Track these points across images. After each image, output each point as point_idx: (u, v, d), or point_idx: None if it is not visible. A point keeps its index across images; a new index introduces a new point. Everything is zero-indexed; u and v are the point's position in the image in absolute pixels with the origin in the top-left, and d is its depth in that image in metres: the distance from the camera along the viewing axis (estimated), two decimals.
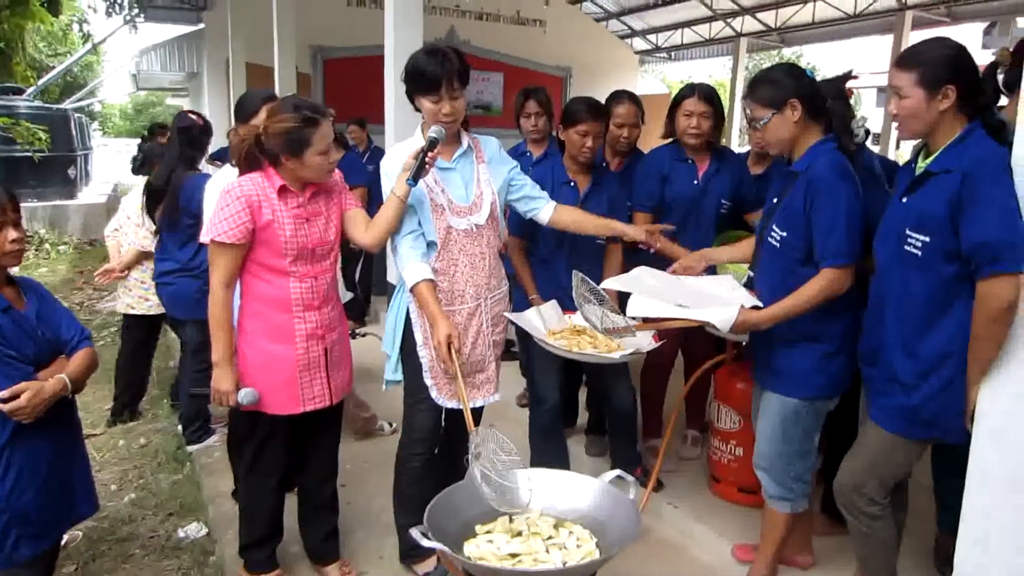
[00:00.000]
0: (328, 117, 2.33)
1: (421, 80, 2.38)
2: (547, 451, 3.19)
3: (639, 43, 17.45)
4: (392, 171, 2.45)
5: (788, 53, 24.47)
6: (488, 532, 2.02)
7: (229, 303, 2.35)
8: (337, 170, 2.53)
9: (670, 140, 3.32)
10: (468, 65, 2.42)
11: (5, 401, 1.93)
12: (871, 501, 2.20)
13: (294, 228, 2.33)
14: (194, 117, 3.67)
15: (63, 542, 2.93)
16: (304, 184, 2.38)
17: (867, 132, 2.72)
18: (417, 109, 2.46)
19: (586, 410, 3.86)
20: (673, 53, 18.04)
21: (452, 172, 2.53)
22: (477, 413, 2.76)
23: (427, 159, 2.32)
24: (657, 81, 27.29)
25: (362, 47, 10.08)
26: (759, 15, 14.52)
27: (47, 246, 9.89)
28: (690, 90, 3.19)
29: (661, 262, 2.82)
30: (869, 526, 2.23)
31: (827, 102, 2.30)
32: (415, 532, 1.87)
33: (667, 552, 2.96)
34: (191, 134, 3.60)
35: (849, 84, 2.68)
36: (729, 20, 15.03)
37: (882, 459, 2.17)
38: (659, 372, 3.58)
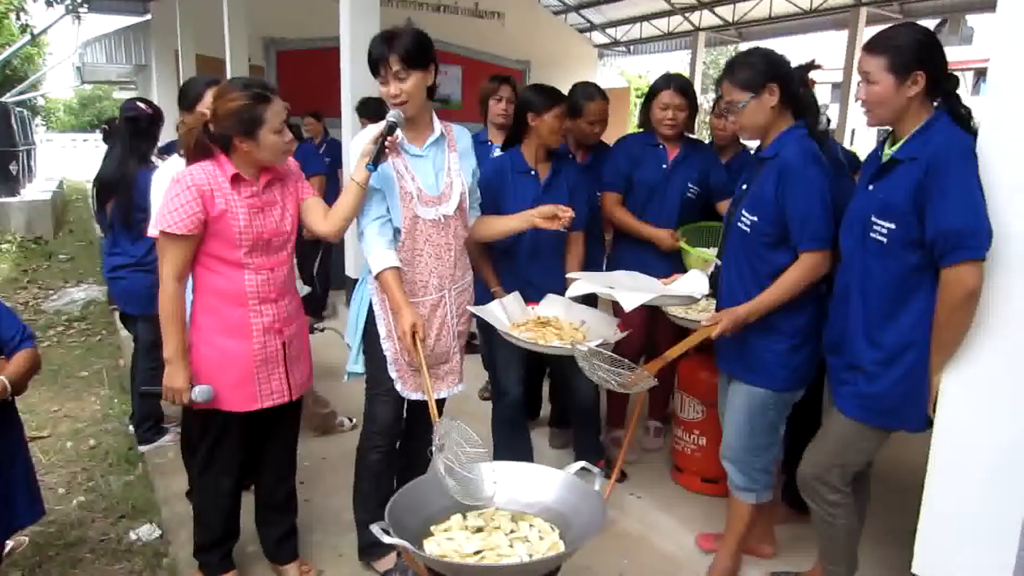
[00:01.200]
0: (278, 94, 2.26)
1: (369, 63, 2.36)
2: (511, 444, 3.16)
3: (598, 37, 17.53)
4: (355, 156, 2.39)
5: (745, 48, 24.84)
6: (446, 530, 1.98)
7: (181, 297, 2.26)
8: (292, 159, 2.45)
9: (644, 127, 3.36)
10: (422, 46, 2.34)
11: None
12: (833, 489, 2.22)
13: (248, 218, 2.25)
14: (142, 106, 3.51)
15: (7, 549, 2.82)
16: (259, 171, 2.30)
17: (828, 121, 2.76)
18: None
19: (549, 403, 3.84)
20: (632, 47, 18.15)
21: (423, 159, 2.47)
22: (440, 404, 2.71)
23: (387, 144, 2.26)
24: (616, 75, 27.44)
25: (316, 39, 9.90)
26: (717, 10, 14.71)
27: None
28: (666, 82, 3.22)
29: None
30: (831, 514, 2.25)
31: (799, 89, 2.31)
32: (376, 529, 1.82)
33: (630, 543, 2.95)
34: (138, 124, 3.45)
35: (810, 75, 2.71)
36: (687, 14, 15.19)
37: (845, 447, 2.18)
38: (627, 352, 3.57)
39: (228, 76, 7.91)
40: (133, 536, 2.97)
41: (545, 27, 13.26)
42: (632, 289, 2.70)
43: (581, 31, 16.16)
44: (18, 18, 10.58)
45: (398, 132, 2.35)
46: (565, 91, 3.25)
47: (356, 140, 2.42)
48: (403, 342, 2.35)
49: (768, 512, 2.71)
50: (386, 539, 1.80)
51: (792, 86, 2.28)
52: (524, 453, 3.13)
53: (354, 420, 3.83)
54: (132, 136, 3.45)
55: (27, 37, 12.12)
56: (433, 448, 2.03)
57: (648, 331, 3.42)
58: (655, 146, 3.28)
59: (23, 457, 2.16)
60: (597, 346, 2.48)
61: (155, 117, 3.50)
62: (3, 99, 13.83)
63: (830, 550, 2.34)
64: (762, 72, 2.27)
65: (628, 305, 2.50)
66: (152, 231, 2.27)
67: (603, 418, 3.51)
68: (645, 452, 3.64)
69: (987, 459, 1.92)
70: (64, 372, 5.02)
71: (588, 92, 3.43)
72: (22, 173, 11.63)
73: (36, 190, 12.00)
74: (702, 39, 15.42)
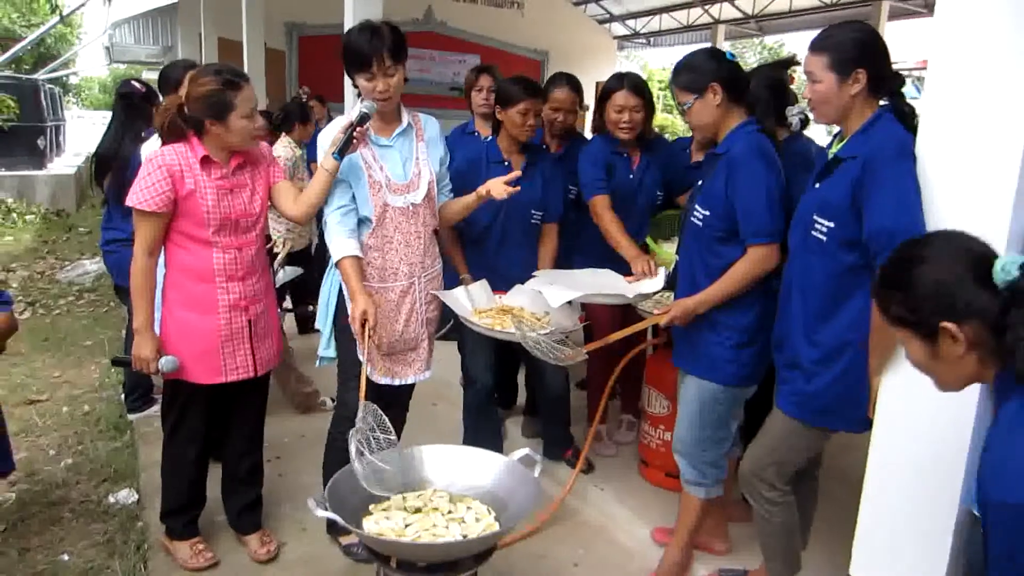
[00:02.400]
0: (249, 82, 2.34)
1: (354, 58, 2.37)
2: (479, 431, 3.24)
3: (618, 28, 17.42)
4: (326, 144, 2.45)
5: (769, 41, 24.52)
6: (384, 510, 2.06)
7: (150, 271, 2.37)
8: (265, 143, 2.54)
9: (598, 130, 3.26)
10: (403, 40, 2.40)
11: None
12: (771, 486, 2.25)
13: (216, 199, 2.34)
14: (136, 84, 3.63)
15: None
16: (229, 154, 2.39)
17: (804, 121, 2.76)
18: (356, 86, 2.45)
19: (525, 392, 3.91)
20: (651, 39, 18.04)
21: (390, 149, 2.53)
22: (407, 390, 2.79)
23: (355, 134, 2.32)
24: (638, 67, 27.24)
25: (337, 24, 9.97)
26: (737, 2, 14.55)
27: (14, 215, 9.81)
28: (618, 82, 3.08)
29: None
30: (768, 511, 2.28)
31: (748, 85, 2.34)
32: (311, 502, 1.91)
33: (587, 533, 3.01)
34: (130, 101, 3.55)
35: (791, 70, 2.73)
36: (707, 7, 15.05)
37: (781, 444, 2.21)
38: (604, 361, 3.61)
39: (244, 58, 8.05)
40: (112, 499, 3.09)
41: (564, 17, 13.23)
42: (594, 287, 2.75)
43: (601, 22, 16.09)
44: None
45: (367, 124, 2.39)
46: (584, 83, 3.24)
47: (326, 130, 2.49)
48: (352, 327, 2.41)
49: (721, 508, 2.75)
50: (320, 512, 1.89)
51: (737, 84, 2.31)
52: (492, 440, 3.19)
53: (335, 400, 3.92)
54: (126, 114, 3.56)
55: (56, 18, 12.37)
56: (352, 430, 2.09)
57: (621, 326, 3.45)
58: (620, 155, 3.17)
59: None
60: (546, 334, 2.53)
61: (148, 95, 3.61)
62: (36, 76, 14.14)
63: (769, 547, 2.37)
64: (703, 73, 2.30)
65: (555, 301, 2.56)
66: (127, 202, 2.37)
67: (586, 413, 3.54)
68: (619, 446, 3.69)
69: (922, 461, 1.92)
70: (69, 341, 5.19)
71: (554, 78, 3.41)
72: (50, 148, 11.91)
73: (62, 164, 12.29)
74: (722, 32, 15.28)
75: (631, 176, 3.19)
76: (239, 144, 2.37)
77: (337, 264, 2.47)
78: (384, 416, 2.16)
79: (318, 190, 2.42)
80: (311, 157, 5.10)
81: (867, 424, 2.05)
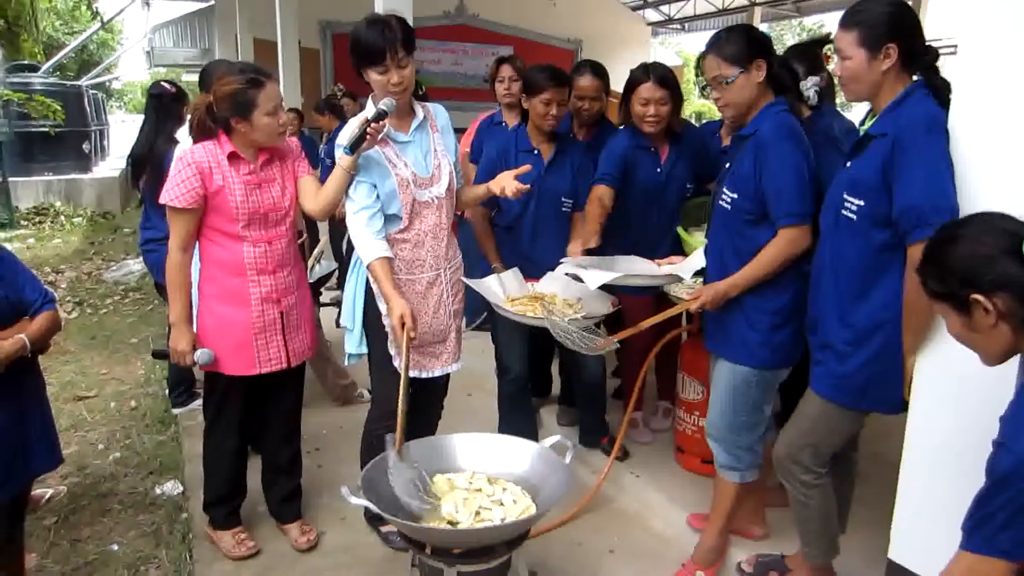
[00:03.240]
0: (273, 79, 2.37)
1: (365, 52, 2.34)
2: (513, 420, 3.25)
3: (651, 14, 17.23)
4: (344, 142, 2.46)
5: (808, 22, 23.96)
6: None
7: (185, 266, 2.43)
8: (293, 138, 2.57)
9: (624, 124, 3.17)
10: (412, 32, 2.40)
11: None
12: (806, 469, 2.22)
13: (245, 194, 2.39)
14: (166, 85, 3.71)
15: (48, 496, 3.08)
16: (257, 150, 2.43)
17: (819, 94, 2.69)
18: (365, 82, 2.42)
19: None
20: (686, 24, 17.79)
21: (411, 144, 2.52)
22: (441, 384, 2.81)
23: (369, 129, 2.30)
24: (672, 53, 26.89)
25: None
26: None
27: (62, 218, 10.12)
28: (644, 73, 2.98)
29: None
30: (805, 494, 2.25)
31: (774, 67, 2.30)
32: (344, 490, 1.94)
33: (623, 520, 3.00)
34: (161, 101, 3.63)
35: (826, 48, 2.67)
36: None
37: (816, 426, 2.18)
38: (639, 346, 3.59)
39: (279, 58, 8.16)
40: (158, 491, 3.19)
41: (597, 5, 13.11)
42: (629, 271, 2.75)
43: (634, 9, 15.92)
44: (89, 6, 11.12)
45: (384, 121, 2.37)
46: (619, 71, 3.20)
47: (344, 129, 2.49)
48: (394, 331, 2.40)
49: (757, 493, 2.72)
50: (353, 500, 1.92)
51: (775, 64, 2.28)
52: (526, 429, 3.21)
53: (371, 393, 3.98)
54: (157, 114, 3.63)
55: (97, 24, 12.69)
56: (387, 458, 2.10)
57: (653, 313, 3.43)
58: (646, 149, 3.09)
59: (43, 409, 2.35)
60: (576, 320, 2.54)
61: (178, 96, 3.69)
62: (80, 82, 14.54)
63: (806, 532, 2.34)
64: (752, 47, 2.24)
65: (592, 284, 2.55)
66: (161, 200, 2.43)
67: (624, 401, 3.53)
68: (656, 433, 3.67)
69: (960, 443, 1.88)
70: (116, 338, 5.35)
71: (579, 66, 3.38)
72: (94, 151, 12.25)
73: (107, 168, 12.63)
74: (758, 14, 15.02)
75: (659, 170, 3.12)
76: (265, 141, 2.41)
77: (368, 267, 2.45)
78: (428, 479, 2.15)
79: (335, 187, 2.42)
80: (328, 154, 5.20)
81: (903, 405, 2.02)
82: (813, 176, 2.24)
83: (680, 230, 3.12)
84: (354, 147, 2.32)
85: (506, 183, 2.52)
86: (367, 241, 2.42)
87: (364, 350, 2.67)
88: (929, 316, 1.87)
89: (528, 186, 2.53)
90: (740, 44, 2.26)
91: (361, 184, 2.43)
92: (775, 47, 2.38)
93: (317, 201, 2.48)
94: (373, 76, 2.37)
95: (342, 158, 2.38)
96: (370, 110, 2.41)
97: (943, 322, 1.84)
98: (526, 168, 2.58)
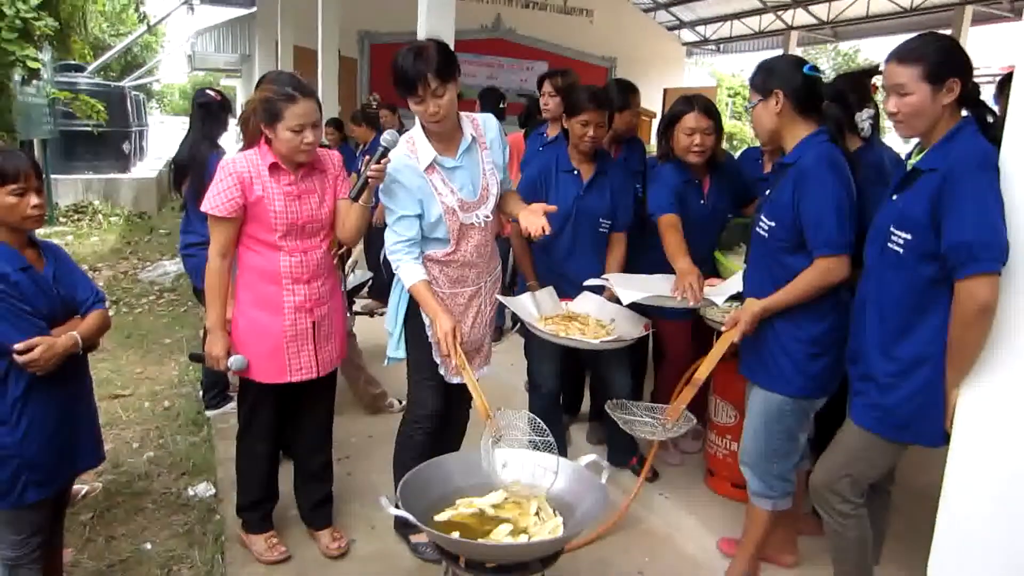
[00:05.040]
0: (309, 97, 2.38)
1: (401, 82, 2.34)
2: None
3: (687, 35, 17.27)
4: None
5: (844, 47, 23.82)
6: (452, 508, 2.10)
7: (223, 273, 2.48)
8: (338, 153, 2.62)
9: (664, 157, 3.13)
10: (451, 58, 2.36)
11: (20, 353, 2.07)
12: (843, 499, 2.21)
13: (284, 204, 2.43)
14: (211, 93, 3.80)
15: (84, 493, 3.14)
16: (296, 164, 2.47)
17: (873, 127, 2.70)
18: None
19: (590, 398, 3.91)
20: (721, 45, 17.79)
21: (459, 170, 2.50)
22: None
23: (369, 174, 2.31)
24: (706, 74, 26.88)
25: (409, 32, 10.18)
26: (811, 8, 14.26)
27: (100, 217, 10.31)
28: (688, 104, 3.00)
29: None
30: (841, 524, 2.24)
31: (822, 100, 2.31)
32: (383, 500, 1.96)
33: (652, 542, 2.99)
34: (209, 110, 3.71)
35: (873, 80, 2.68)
36: (780, 13, 14.77)
37: (855, 457, 2.17)
38: (674, 367, 3.59)
39: (319, 66, 8.29)
40: (191, 492, 3.23)
41: (633, 24, 13.19)
42: (664, 291, 2.76)
43: (670, 28, 15.98)
44: (136, 9, 11.38)
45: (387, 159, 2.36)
46: (652, 90, 3.24)
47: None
48: (443, 346, 2.41)
49: (790, 521, 2.71)
50: (391, 510, 1.94)
51: (807, 96, 2.28)
52: (557, 446, 3.20)
53: (403, 402, 4.00)
54: (204, 121, 3.71)
55: (143, 27, 12.97)
56: (488, 438, 2.17)
57: (693, 338, 3.44)
58: (691, 182, 3.09)
59: (90, 408, 2.40)
60: (611, 341, 2.55)
61: (223, 104, 3.77)
62: (123, 83, 14.86)
63: (841, 561, 2.33)
64: (773, 78, 2.30)
65: (625, 299, 2.60)
66: (202, 209, 2.48)
67: None
68: (685, 455, 3.66)
69: (1001, 476, 1.88)
70: (151, 338, 5.43)
71: (621, 86, 3.46)
72: (134, 152, 12.48)
73: (145, 168, 12.86)
74: (794, 38, 14.97)
75: (702, 202, 3.13)
76: (286, 154, 2.42)
77: (410, 289, 2.48)
78: (538, 419, 2.23)
79: (356, 222, 2.49)
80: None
81: (945, 438, 2.01)
82: (854, 207, 2.24)
83: (717, 254, 3.12)
84: (357, 195, 2.36)
85: (531, 223, 2.44)
86: (407, 268, 2.47)
87: (402, 355, 2.70)
88: (974, 351, 1.87)
89: (549, 231, 2.46)
90: (765, 74, 2.34)
91: (404, 218, 2.45)
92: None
93: (344, 231, 2.54)
94: (412, 105, 2.39)
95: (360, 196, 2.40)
96: (417, 130, 2.43)
97: (986, 356, 1.86)
98: (553, 208, 2.55)
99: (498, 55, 12.18)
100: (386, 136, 2.35)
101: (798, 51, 15.46)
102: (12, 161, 2.09)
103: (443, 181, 2.47)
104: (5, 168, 2.06)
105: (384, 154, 2.33)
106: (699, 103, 3.01)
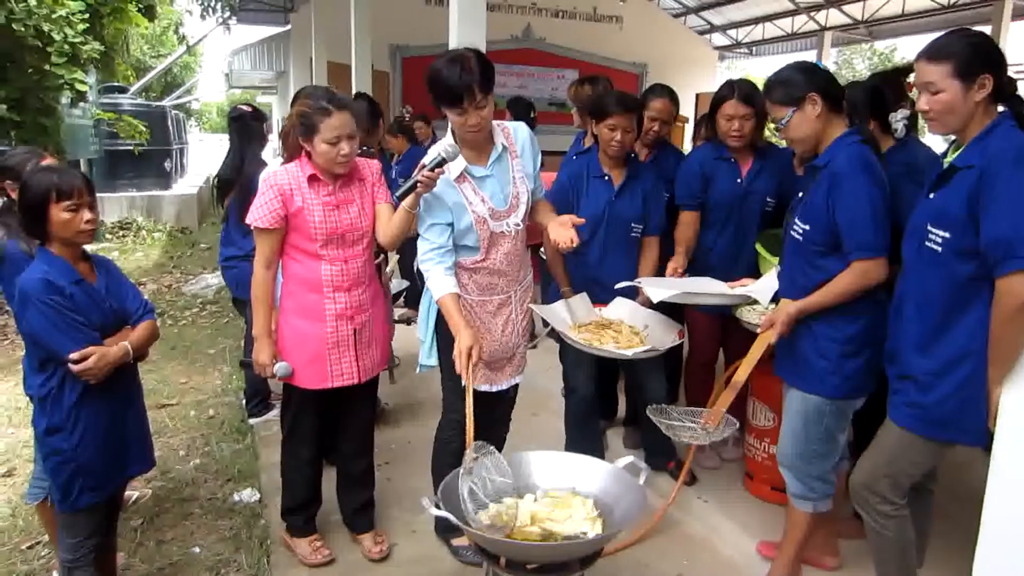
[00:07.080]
0: (344, 111, 2.43)
1: (444, 92, 2.31)
2: (580, 440, 3.27)
3: (719, 39, 17.17)
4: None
5: (880, 46, 23.43)
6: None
7: (268, 283, 2.55)
8: (376, 161, 2.68)
9: (709, 139, 3.28)
10: (491, 69, 2.36)
11: (75, 362, 2.16)
12: (884, 499, 2.19)
13: (323, 215, 2.50)
14: (244, 108, 3.89)
15: (135, 498, 3.24)
16: (335, 175, 2.53)
17: (907, 126, 2.68)
18: (433, 105, 2.41)
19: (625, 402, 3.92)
20: (754, 48, 17.64)
21: (489, 179, 2.51)
22: (508, 397, 2.86)
23: (421, 179, 2.31)
24: (739, 77, 26.62)
25: (440, 45, 10.30)
26: (845, 8, 14.09)
27: (143, 232, 10.60)
28: (729, 90, 3.08)
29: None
30: (882, 525, 2.22)
31: (844, 94, 2.31)
32: (424, 501, 2.00)
33: (690, 545, 2.99)
34: (243, 122, 3.80)
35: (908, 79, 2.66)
36: (813, 14, 14.62)
37: (895, 457, 2.15)
38: (702, 371, 3.60)
39: (352, 80, 8.43)
40: (236, 498, 3.32)
41: (663, 30, 13.17)
42: (697, 290, 2.77)
43: (701, 33, 15.91)
44: (176, 31, 11.73)
45: (448, 166, 2.36)
46: (684, 94, 3.28)
47: (431, 151, 2.45)
48: (459, 361, 2.38)
49: (830, 523, 2.69)
50: (433, 511, 1.98)
51: (835, 93, 2.28)
52: (593, 449, 3.21)
53: (389, 404, 4.17)
54: (240, 134, 3.80)
55: (183, 48, 13.33)
56: (461, 469, 2.10)
57: (721, 339, 3.44)
58: (726, 160, 3.17)
59: (140, 415, 2.48)
60: (643, 352, 2.55)
61: (256, 114, 3.86)
62: (163, 102, 15.27)
63: (883, 563, 2.30)
64: (798, 85, 2.29)
65: (656, 297, 2.63)
66: (246, 221, 2.56)
67: None
68: (723, 460, 3.64)
69: None
70: (195, 349, 5.58)
71: (653, 88, 3.47)
72: (175, 169, 12.82)
73: (186, 185, 13.20)
74: (828, 39, 14.79)
75: (739, 181, 3.16)
76: (324, 166, 2.48)
77: (437, 301, 2.49)
78: (502, 459, 2.18)
79: (399, 225, 2.49)
80: (402, 174, 5.38)
81: (988, 437, 1.98)
82: (889, 208, 2.23)
83: (759, 246, 3.11)
84: (403, 196, 2.37)
85: (559, 235, 2.42)
86: (437, 278, 2.48)
87: (434, 362, 2.73)
88: (1016, 348, 1.85)
89: (577, 243, 2.45)
90: (787, 86, 2.32)
91: (435, 226, 2.47)
92: (843, 73, 2.40)
93: (384, 234, 2.57)
94: (451, 116, 2.37)
95: (406, 200, 2.40)
96: (432, 153, 2.36)
97: None
98: (581, 220, 2.54)
99: (529, 64, 12.26)
100: (447, 147, 2.32)
101: (832, 52, 15.31)
102: (67, 178, 2.19)
103: (474, 190, 2.49)
104: (61, 185, 2.16)
105: (441, 163, 2.32)
106: (740, 90, 3.07)
